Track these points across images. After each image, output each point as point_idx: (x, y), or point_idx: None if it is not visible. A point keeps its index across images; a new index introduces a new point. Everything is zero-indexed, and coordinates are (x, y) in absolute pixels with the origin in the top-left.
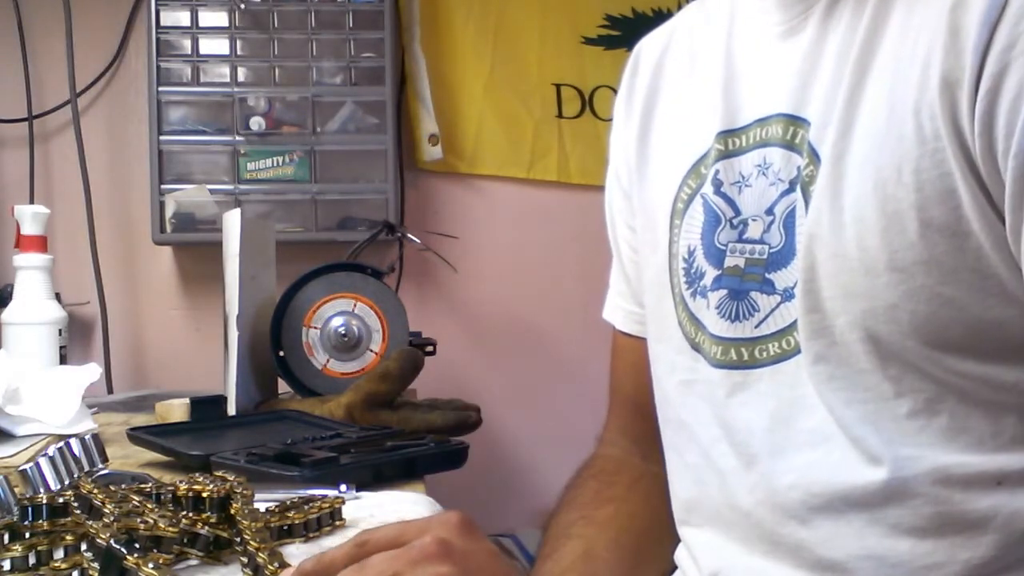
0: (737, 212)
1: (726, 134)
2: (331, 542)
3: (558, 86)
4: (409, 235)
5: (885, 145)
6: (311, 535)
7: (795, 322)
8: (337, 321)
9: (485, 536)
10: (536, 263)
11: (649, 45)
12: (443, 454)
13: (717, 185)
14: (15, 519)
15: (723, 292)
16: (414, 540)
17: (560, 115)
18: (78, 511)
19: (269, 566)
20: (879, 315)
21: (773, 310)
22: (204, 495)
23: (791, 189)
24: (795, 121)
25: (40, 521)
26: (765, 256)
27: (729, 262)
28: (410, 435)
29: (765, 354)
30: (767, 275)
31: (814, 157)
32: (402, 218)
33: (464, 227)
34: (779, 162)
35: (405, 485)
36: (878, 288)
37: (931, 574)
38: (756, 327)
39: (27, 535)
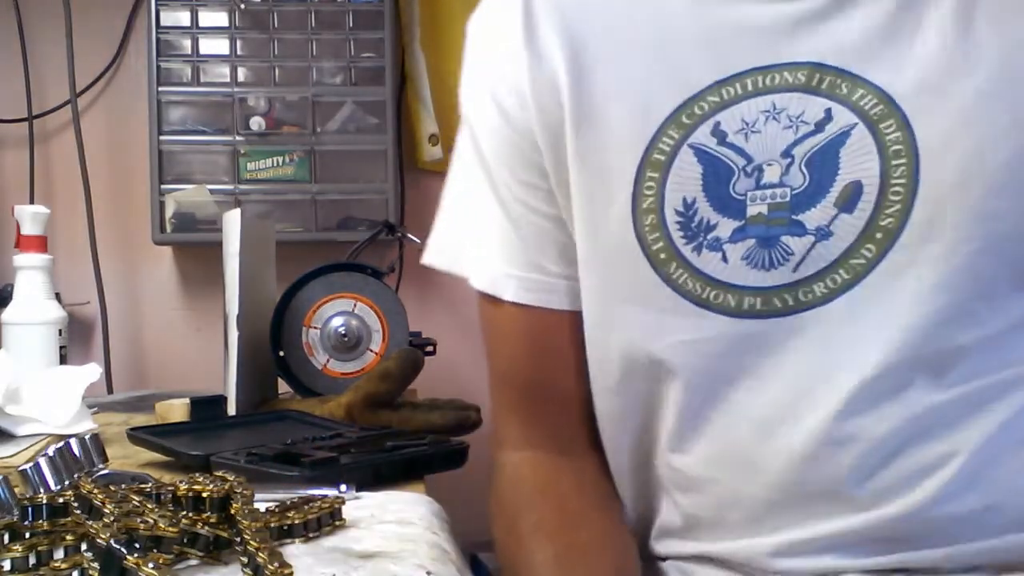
0: (749, 159)
1: (721, 83)
2: (331, 542)
3: None
4: (409, 235)
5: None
6: (311, 535)
7: (836, 261)
8: (337, 321)
9: None
10: None
11: None
12: (443, 454)
13: (721, 136)
14: (15, 519)
15: (751, 242)
16: None
17: None
18: (78, 511)
19: (269, 566)
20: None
21: (809, 251)
22: (204, 495)
23: (817, 131)
24: (823, 69)
25: (40, 521)
26: (788, 199)
27: (752, 211)
28: (410, 435)
29: (811, 296)
30: (794, 217)
31: (884, 97)
32: (402, 218)
33: None
34: (796, 106)
35: (405, 485)
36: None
37: None
38: (794, 271)
39: (27, 535)
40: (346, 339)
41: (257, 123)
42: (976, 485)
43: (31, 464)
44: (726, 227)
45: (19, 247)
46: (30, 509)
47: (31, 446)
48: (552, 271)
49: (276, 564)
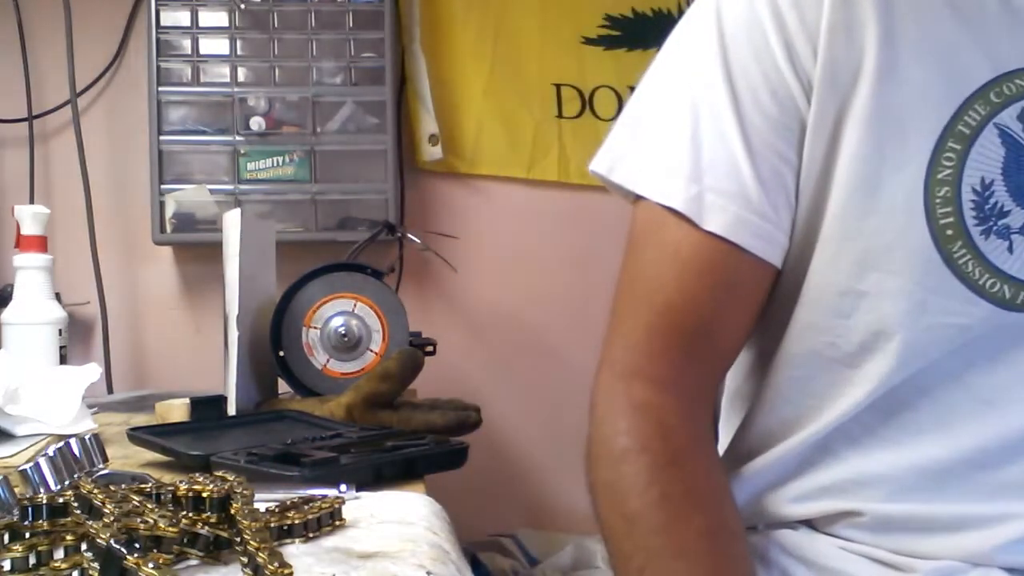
0: None
1: None
2: (331, 542)
3: (558, 86)
4: (409, 235)
5: None
6: (311, 535)
7: None
8: (337, 321)
9: None
10: (536, 263)
11: None
12: (443, 454)
13: None
14: (15, 519)
15: None
16: None
17: (560, 115)
18: (78, 511)
19: (269, 566)
20: None
21: None
22: (204, 495)
23: None
24: None
25: (40, 521)
26: None
27: None
28: (410, 435)
29: None
30: None
31: None
32: (402, 218)
33: (464, 227)
34: None
35: (405, 485)
36: None
37: None
38: None
39: (27, 535)
40: (346, 339)
41: (257, 123)
42: None
43: (31, 464)
44: (1018, 217)
45: (19, 247)
46: (30, 509)
47: (31, 446)
48: (771, 217)
49: (276, 564)
